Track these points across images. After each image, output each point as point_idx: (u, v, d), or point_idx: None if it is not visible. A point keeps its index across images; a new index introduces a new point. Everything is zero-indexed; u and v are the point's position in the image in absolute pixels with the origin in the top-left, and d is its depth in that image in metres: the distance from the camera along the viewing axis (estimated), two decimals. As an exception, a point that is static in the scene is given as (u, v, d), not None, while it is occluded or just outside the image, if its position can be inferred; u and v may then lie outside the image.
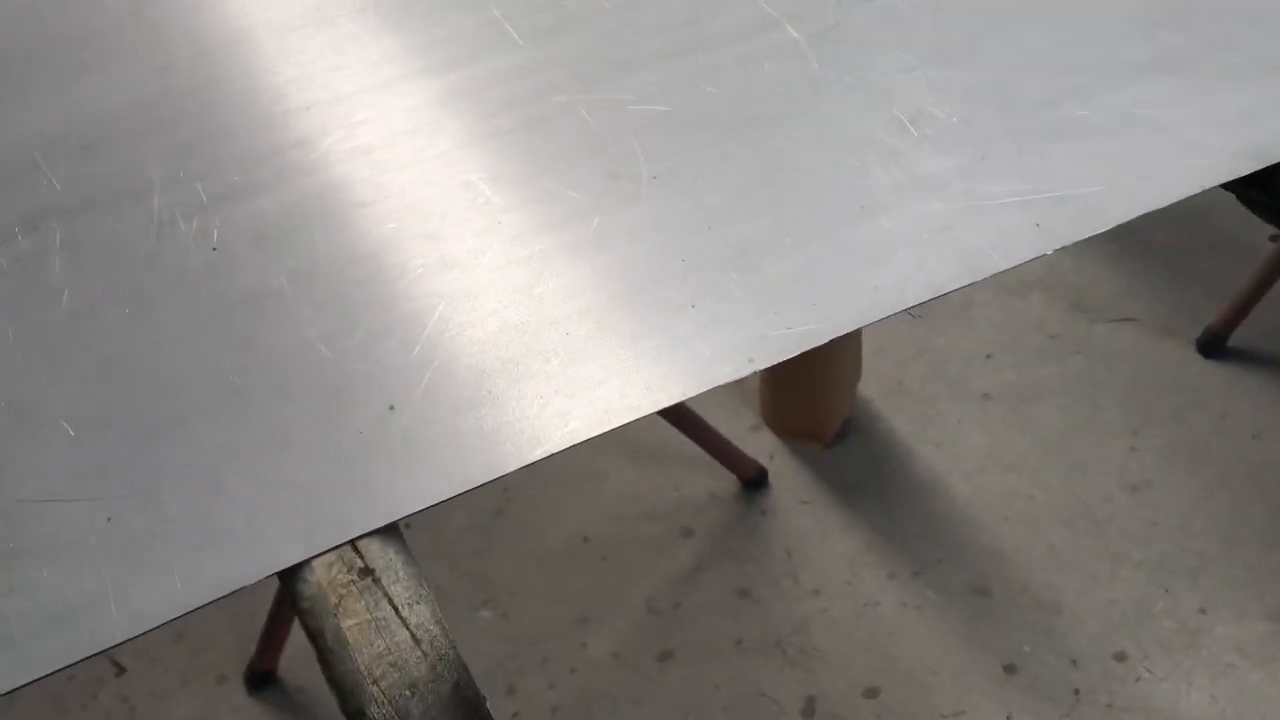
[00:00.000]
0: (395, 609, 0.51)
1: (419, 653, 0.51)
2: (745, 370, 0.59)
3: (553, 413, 0.58)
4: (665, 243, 0.64)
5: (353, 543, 0.53)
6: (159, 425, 0.58)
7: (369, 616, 0.51)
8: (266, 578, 0.53)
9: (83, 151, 0.70)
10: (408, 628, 0.51)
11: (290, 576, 0.53)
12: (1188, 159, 0.66)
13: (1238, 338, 1.73)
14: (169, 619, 0.51)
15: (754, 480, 1.67)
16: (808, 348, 0.59)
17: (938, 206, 0.65)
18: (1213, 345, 1.73)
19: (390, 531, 0.55)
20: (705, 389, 0.58)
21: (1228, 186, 0.66)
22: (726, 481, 1.67)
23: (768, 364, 0.59)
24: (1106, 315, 1.85)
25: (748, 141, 0.69)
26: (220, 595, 0.52)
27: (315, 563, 0.53)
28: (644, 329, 0.61)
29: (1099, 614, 1.53)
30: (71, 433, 0.57)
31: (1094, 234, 0.64)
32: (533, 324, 0.62)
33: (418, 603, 0.52)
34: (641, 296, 0.62)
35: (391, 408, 0.59)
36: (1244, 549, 1.56)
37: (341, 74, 0.74)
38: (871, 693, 1.50)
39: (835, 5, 0.76)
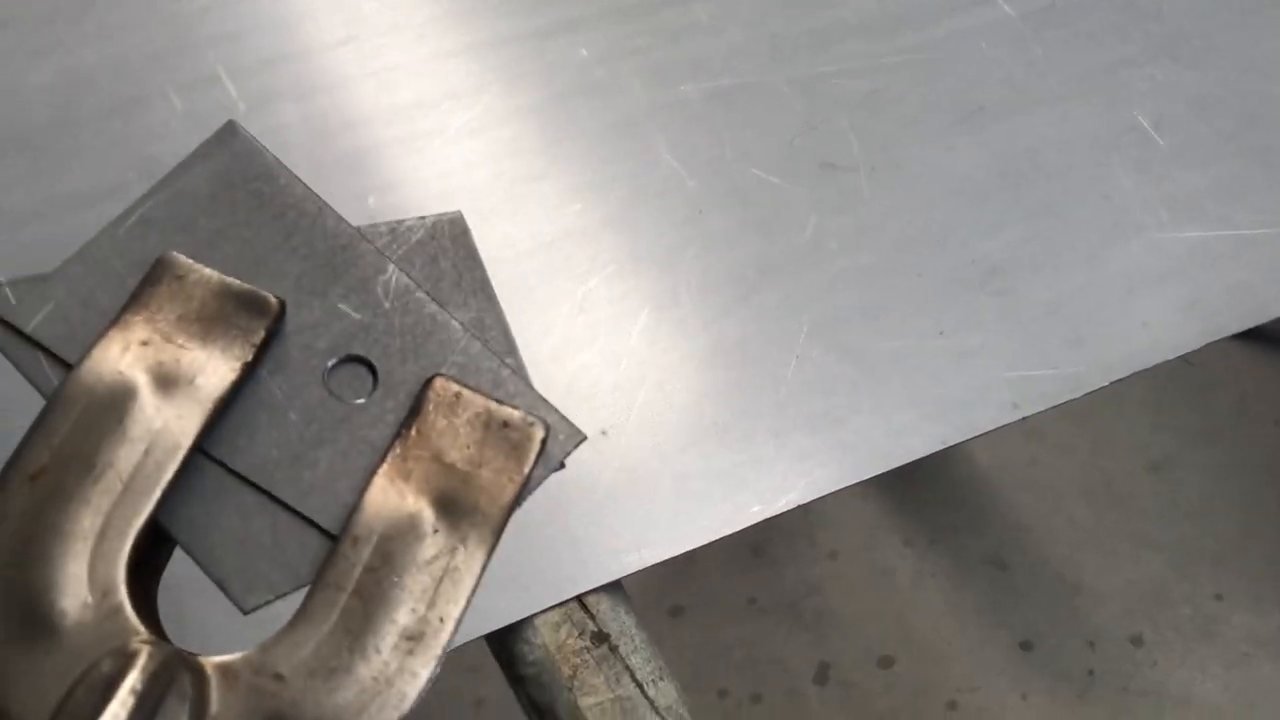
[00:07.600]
0: (640, 686, 0.44)
1: (669, 742, 0.44)
2: (1010, 418, 0.52)
3: (792, 454, 0.51)
4: (896, 253, 0.56)
5: (580, 600, 0.46)
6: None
7: (611, 695, 0.44)
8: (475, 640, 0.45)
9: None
10: (657, 712, 0.44)
11: (507, 638, 0.45)
12: None
13: (1264, 319, 1.71)
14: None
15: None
16: (1078, 395, 0.53)
17: (1196, 233, 0.58)
18: (1238, 325, 1.70)
19: (616, 589, 0.47)
20: (965, 438, 0.51)
21: None
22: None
23: (1034, 411, 0.52)
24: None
25: (974, 134, 0.61)
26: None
27: (539, 622, 0.45)
28: (886, 358, 0.53)
29: (1117, 595, 1.51)
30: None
31: (1373, 280, 0.57)
32: (755, 342, 0.54)
33: (662, 679, 0.45)
34: (878, 317, 0.54)
35: (604, 433, 0.50)
36: (1261, 538, 1.55)
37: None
38: (886, 662, 1.47)
39: (1050, -21, 0.68)
